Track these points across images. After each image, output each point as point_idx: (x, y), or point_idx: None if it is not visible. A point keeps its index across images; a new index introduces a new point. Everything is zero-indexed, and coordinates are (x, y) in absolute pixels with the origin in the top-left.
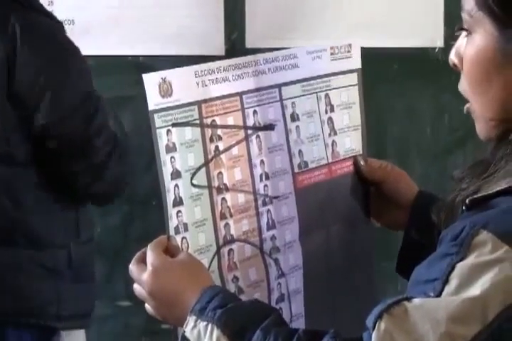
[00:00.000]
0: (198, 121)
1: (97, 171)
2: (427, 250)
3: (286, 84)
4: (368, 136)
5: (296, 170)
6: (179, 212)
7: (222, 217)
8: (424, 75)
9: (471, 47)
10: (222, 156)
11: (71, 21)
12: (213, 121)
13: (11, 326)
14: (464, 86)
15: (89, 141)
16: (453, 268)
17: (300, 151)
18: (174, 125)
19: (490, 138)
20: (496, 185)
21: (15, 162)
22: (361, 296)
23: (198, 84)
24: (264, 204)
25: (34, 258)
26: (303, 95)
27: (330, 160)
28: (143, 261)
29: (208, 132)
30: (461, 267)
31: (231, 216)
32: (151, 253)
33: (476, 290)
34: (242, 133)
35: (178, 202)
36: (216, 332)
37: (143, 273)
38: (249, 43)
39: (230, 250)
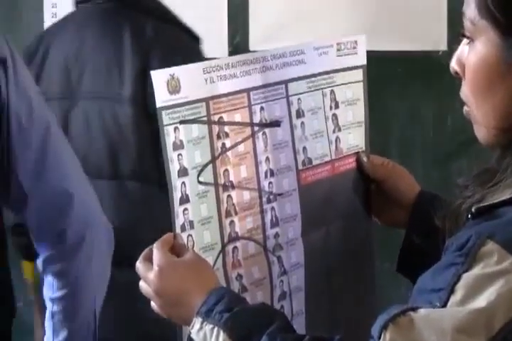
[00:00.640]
0: (205, 118)
1: None
2: (427, 251)
3: (292, 80)
4: (371, 139)
5: (301, 167)
6: (185, 209)
7: (228, 214)
8: (428, 78)
9: (473, 55)
10: (229, 153)
11: None
12: (220, 118)
13: None
14: (465, 93)
15: None
16: (459, 278)
17: (304, 148)
18: (182, 122)
19: (490, 145)
20: (501, 194)
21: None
22: (361, 294)
23: (206, 81)
24: (269, 201)
25: None
26: (308, 91)
27: (333, 157)
28: (150, 259)
29: (215, 129)
30: (466, 278)
31: (236, 213)
32: (157, 252)
33: (482, 301)
34: (248, 130)
35: (184, 199)
36: (222, 336)
37: (149, 272)
38: (252, 46)
39: (235, 248)
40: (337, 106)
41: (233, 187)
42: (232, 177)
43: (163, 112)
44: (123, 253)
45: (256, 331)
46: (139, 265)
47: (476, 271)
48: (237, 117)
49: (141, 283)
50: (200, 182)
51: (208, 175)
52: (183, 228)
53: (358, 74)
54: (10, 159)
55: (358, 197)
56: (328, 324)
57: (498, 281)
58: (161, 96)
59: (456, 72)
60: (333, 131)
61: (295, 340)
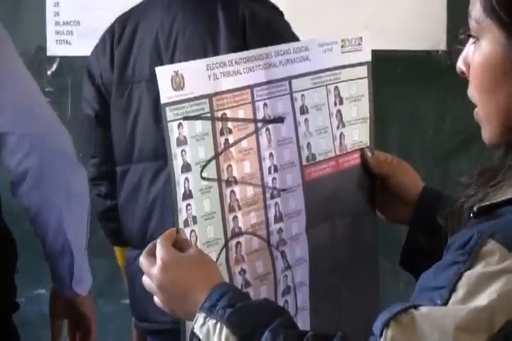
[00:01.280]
0: (209, 115)
1: None
2: (429, 248)
3: (296, 76)
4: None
5: (305, 162)
6: (188, 205)
7: (231, 209)
8: (427, 78)
9: (478, 54)
10: (232, 149)
11: (77, 22)
12: (224, 114)
13: None
14: (472, 92)
15: None
16: (460, 276)
17: (308, 144)
18: (185, 118)
19: (495, 144)
20: (504, 194)
21: None
22: (365, 289)
23: (209, 77)
24: (272, 197)
25: None
26: (312, 88)
27: (337, 153)
28: (153, 254)
29: (219, 125)
30: (468, 276)
31: (239, 209)
32: (160, 247)
33: (483, 300)
34: (252, 127)
35: (187, 195)
36: (225, 331)
37: (153, 267)
38: None
39: (238, 243)
40: (341, 103)
41: (236, 182)
42: (235, 173)
43: (168, 108)
44: None
45: (259, 327)
46: (143, 260)
47: (478, 269)
48: (241, 113)
49: (144, 278)
50: (203, 178)
51: (211, 171)
52: (186, 223)
53: (363, 71)
54: None
55: (363, 193)
56: (332, 319)
57: (500, 280)
58: (166, 93)
59: (463, 72)
60: (338, 127)
61: (298, 336)
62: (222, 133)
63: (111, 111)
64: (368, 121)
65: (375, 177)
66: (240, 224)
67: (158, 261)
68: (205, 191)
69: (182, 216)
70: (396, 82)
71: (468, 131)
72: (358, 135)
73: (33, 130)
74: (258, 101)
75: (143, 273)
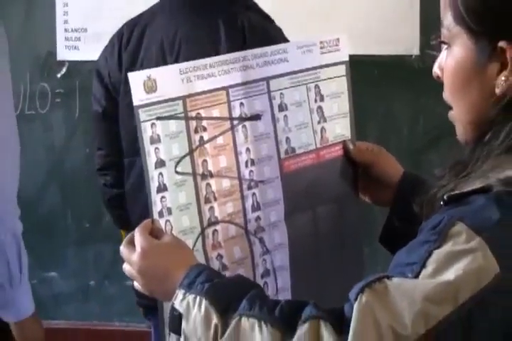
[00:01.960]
0: (182, 115)
1: None
2: (407, 228)
3: (274, 77)
4: None
5: (283, 155)
6: (163, 197)
7: (207, 201)
8: (402, 81)
9: (450, 58)
10: (207, 146)
11: (84, 29)
12: (198, 113)
13: None
14: (447, 95)
15: None
16: (430, 254)
17: (287, 138)
18: (159, 118)
19: (468, 141)
20: (471, 184)
21: None
22: (349, 272)
23: (182, 81)
24: (250, 188)
25: None
26: (292, 86)
27: (318, 146)
28: (132, 242)
29: (193, 124)
30: (437, 254)
31: (215, 200)
32: (138, 236)
33: (450, 275)
34: (227, 124)
35: (162, 188)
36: (204, 303)
37: (132, 254)
38: None
39: (215, 231)
40: (322, 99)
41: (212, 175)
42: (210, 167)
43: (140, 110)
44: None
45: (236, 297)
46: (123, 249)
47: (446, 248)
48: (215, 113)
49: (125, 265)
50: (177, 172)
51: (186, 166)
52: (160, 214)
53: (341, 70)
54: None
55: (345, 182)
56: (315, 299)
57: (466, 258)
58: (138, 96)
59: (438, 76)
60: (319, 122)
61: (273, 303)
62: (196, 131)
63: (119, 107)
64: (349, 115)
65: (357, 166)
66: (216, 214)
67: (138, 249)
68: (180, 184)
69: (156, 207)
70: (373, 84)
71: (439, 128)
72: (340, 128)
73: None
74: (234, 101)
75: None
